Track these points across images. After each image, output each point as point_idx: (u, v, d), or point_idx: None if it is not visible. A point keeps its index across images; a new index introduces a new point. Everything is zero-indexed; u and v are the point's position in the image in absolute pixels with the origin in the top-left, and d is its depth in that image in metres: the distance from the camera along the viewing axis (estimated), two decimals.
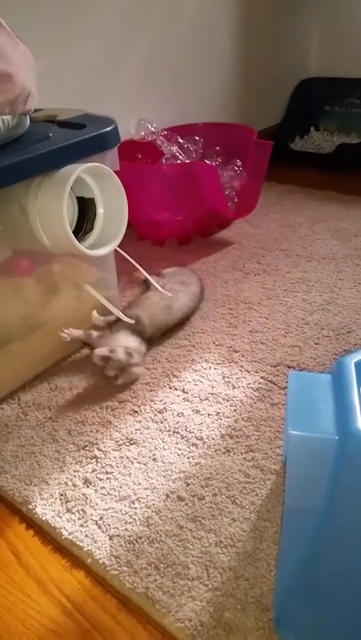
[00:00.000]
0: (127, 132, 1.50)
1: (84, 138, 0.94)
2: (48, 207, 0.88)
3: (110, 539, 0.74)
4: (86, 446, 0.89)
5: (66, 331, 1.02)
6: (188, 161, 1.55)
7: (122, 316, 1.03)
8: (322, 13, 2.12)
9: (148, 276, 1.14)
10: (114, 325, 1.06)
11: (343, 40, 2.09)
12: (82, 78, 1.43)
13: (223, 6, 1.78)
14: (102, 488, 0.82)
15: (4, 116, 0.88)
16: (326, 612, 0.59)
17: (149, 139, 1.53)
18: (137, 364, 0.99)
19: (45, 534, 0.78)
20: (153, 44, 1.60)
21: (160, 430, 0.91)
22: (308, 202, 1.71)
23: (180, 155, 1.55)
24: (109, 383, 1.00)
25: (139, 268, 1.11)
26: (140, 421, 0.93)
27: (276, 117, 2.13)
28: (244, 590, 0.67)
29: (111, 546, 0.73)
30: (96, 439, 0.90)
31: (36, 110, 0.98)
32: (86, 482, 0.83)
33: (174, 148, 1.55)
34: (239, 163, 1.51)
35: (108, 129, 0.97)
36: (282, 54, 2.07)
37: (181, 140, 1.57)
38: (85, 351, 1.11)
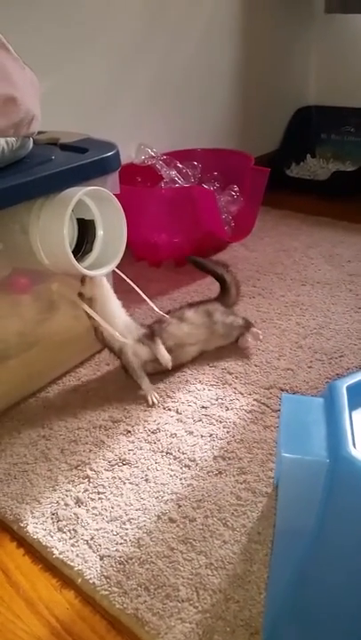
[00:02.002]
0: (127, 155, 1.53)
1: (85, 162, 0.96)
2: (49, 228, 0.90)
3: (101, 559, 0.74)
4: (79, 466, 0.89)
5: None
6: (186, 185, 1.58)
7: (117, 334, 1.04)
8: (320, 44, 2.18)
9: (145, 297, 1.15)
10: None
11: (340, 70, 2.15)
12: (84, 102, 1.46)
13: (224, 35, 1.83)
14: (94, 508, 0.82)
15: (8, 138, 0.90)
16: (315, 636, 0.59)
17: (149, 163, 1.56)
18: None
19: (36, 553, 0.77)
20: (155, 71, 1.64)
21: (153, 451, 0.92)
22: (303, 227, 1.74)
23: (179, 179, 1.58)
24: (103, 402, 1.01)
25: (136, 288, 1.13)
26: (133, 442, 0.94)
27: (274, 144, 2.18)
28: (234, 613, 0.67)
29: (102, 566, 0.73)
30: (89, 459, 0.91)
31: (39, 133, 1.00)
32: (78, 501, 0.83)
33: (173, 173, 1.58)
34: (236, 188, 1.54)
35: (110, 154, 0.99)
36: (280, 83, 2.13)
37: (180, 165, 1.60)
38: (81, 370, 1.12)
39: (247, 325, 1.14)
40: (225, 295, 1.20)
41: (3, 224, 0.91)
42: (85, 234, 1.00)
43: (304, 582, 0.57)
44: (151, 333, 1.05)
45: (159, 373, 1.07)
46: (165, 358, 1.03)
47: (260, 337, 1.14)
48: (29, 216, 0.91)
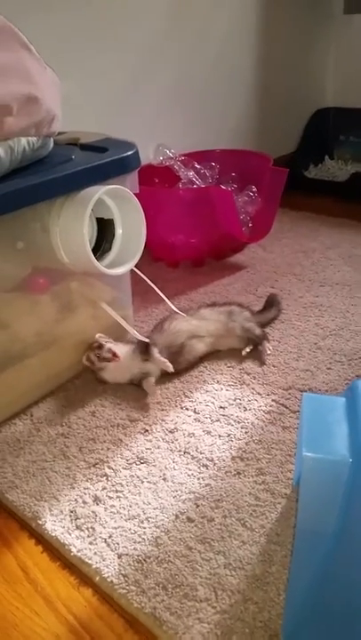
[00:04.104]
0: (145, 156, 1.53)
1: (105, 161, 0.96)
2: (69, 226, 0.90)
3: (119, 557, 0.74)
4: (97, 464, 0.90)
5: None
6: (204, 186, 1.58)
7: (136, 334, 1.04)
8: (339, 44, 2.17)
9: (164, 296, 1.15)
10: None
11: (359, 71, 2.13)
12: (103, 103, 1.47)
13: (244, 36, 1.83)
14: (112, 506, 0.82)
15: (30, 138, 0.91)
16: (336, 638, 0.58)
17: (167, 164, 1.56)
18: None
19: (54, 550, 0.78)
20: (174, 73, 1.64)
21: (171, 450, 0.91)
22: (321, 228, 1.73)
23: (197, 180, 1.58)
24: (121, 401, 1.01)
25: (154, 287, 1.13)
26: (150, 440, 0.94)
27: (292, 146, 2.17)
28: (253, 614, 0.66)
29: (120, 564, 0.73)
30: (107, 457, 0.91)
31: (59, 133, 1.01)
32: (96, 499, 0.83)
33: (191, 174, 1.58)
34: (254, 189, 1.54)
35: (130, 153, 0.99)
36: (299, 84, 2.12)
37: (198, 166, 1.60)
38: None
39: (263, 337, 1.14)
40: (264, 313, 1.23)
41: (24, 223, 0.92)
42: (104, 233, 1.00)
43: (325, 583, 0.56)
44: (145, 347, 1.05)
45: (174, 373, 1.07)
46: (165, 365, 1.03)
47: (268, 352, 1.12)
48: (50, 215, 0.92)
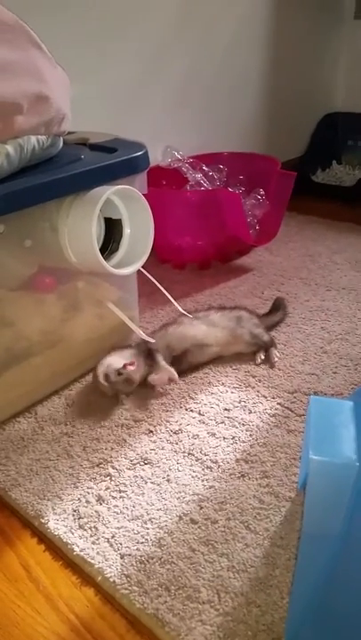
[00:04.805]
0: (154, 158, 1.53)
1: (114, 161, 0.96)
2: (78, 226, 0.90)
3: (122, 557, 0.74)
4: (101, 464, 0.89)
5: None
6: (212, 188, 1.58)
7: (142, 334, 1.04)
8: (349, 49, 2.17)
9: (170, 297, 1.15)
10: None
11: None
12: (112, 104, 1.47)
13: (253, 39, 1.83)
14: (115, 506, 0.82)
15: (39, 137, 0.91)
16: None
17: (175, 166, 1.56)
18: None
19: (57, 549, 0.77)
20: (183, 74, 1.64)
21: (175, 451, 0.91)
22: (328, 233, 1.72)
23: (205, 182, 1.58)
24: (127, 401, 1.01)
25: (161, 288, 1.13)
26: (155, 441, 0.93)
27: (300, 150, 2.17)
28: (256, 617, 0.66)
29: (122, 564, 0.73)
30: (111, 457, 0.90)
31: (69, 133, 1.01)
32: (100, 499, 0.83)
33: (199, 176, 1.58)
34: (262, 192, 1.53)
35: (139, 153, 1.00)
36: (308, 88, 2.12)
37: (206, 168, 1.60)
38: None
39: (271, 344, 1.13)
40: (270, 316, 1.23)
41: (32, 221, 0.92)
42: (112, 233, 1.00)
43: (330, 587, 0.56)
44: (149, 352, 1.04)
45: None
46: (171, 373, 1.02)
47: (276, 360, 1.11)
48: (58, 214, 0.92)
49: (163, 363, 1.03)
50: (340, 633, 0.57)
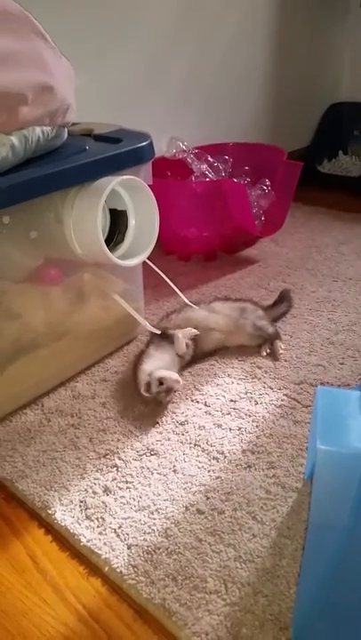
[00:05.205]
0: (159, 149, 1.52)
1: (119, 151, 0.96)
2: (83, 217, 0.90)
3: (128, 548, 0.74)
4: (107, 454, 0.89)
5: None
6: (217, 179, 1.57)
7: (147, 325, 1.04)
8: (354, 40, 2.15)
9: (176, 288, 1.15)
10: None
11: None
12: (117, 95, 1.47)
13: (259, 29, 1.82)
14: (122, 497, 0.82)
15: (44, 127, 0.90)
16: (346, 632, 0.58)
17: (180, 156, 1.55)
18: None
19: (64, 540, 0.78)
20: (188, 65, 1.63)
21: (181, 442, 0.91)
22: (335, 223, 1.71)
23: (210, 173, 1.57)
24: (132, 393, 1.01)
25: (166, 279, 1.12)
26: (161, 432, 0.93)
27: (305, 140, 2.15)
28: (263, 607, 0.66)
29: (129, 555, 0.73)
30: (117, 448, 0.91)
31: (73, 124, 1.00)
32: (106, 490, 0.83)
33: (204, 167, 1.57)
34: (268, 182, 1.53)
35: (144, 144, 0.99)
36: (314, 78, 2.10)
37: (211, 159, 1.59)
38: (110, 361, 1.12)
39: (275, 336, 1.13)
40: (275, 308, 1.22)
41: (37, 212, 0.92)
42: (117, 224, 1.00)
43: (337, 577, 0.56)
44: (164, 332, 1.04)
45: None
46: (190, 331, 1.03)
47: (281, 352, 1.10)
48: (63, 205, 0.91)
49: (176, 333, 1.03)
50: (347, 623, 0.57)
